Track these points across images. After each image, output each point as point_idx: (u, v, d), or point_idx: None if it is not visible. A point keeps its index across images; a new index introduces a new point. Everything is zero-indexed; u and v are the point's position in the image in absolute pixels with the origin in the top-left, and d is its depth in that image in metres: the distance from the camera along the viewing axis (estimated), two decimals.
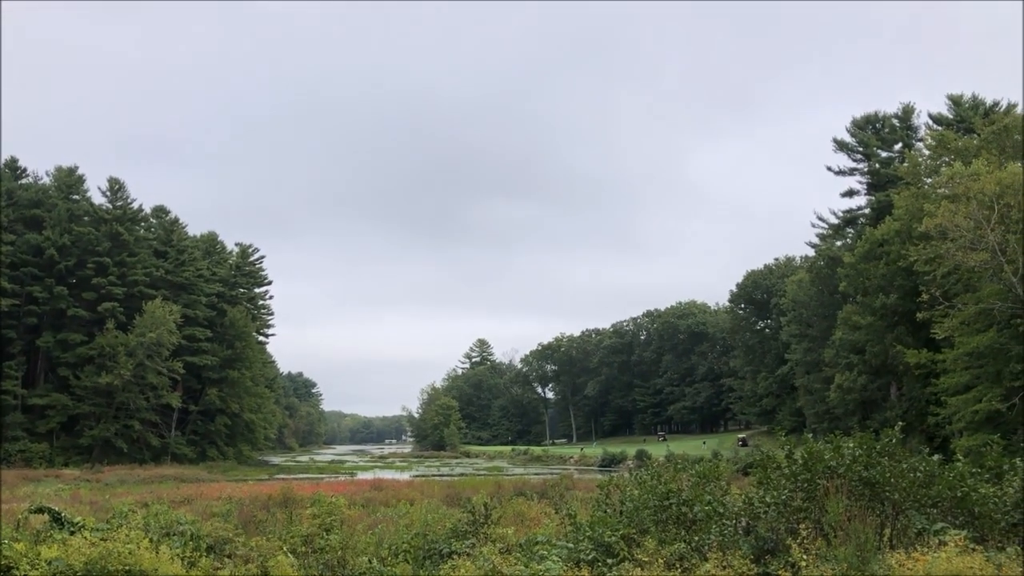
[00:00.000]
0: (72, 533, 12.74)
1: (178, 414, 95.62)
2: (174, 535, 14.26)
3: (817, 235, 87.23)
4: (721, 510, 13.87)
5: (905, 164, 61.39)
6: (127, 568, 9.96)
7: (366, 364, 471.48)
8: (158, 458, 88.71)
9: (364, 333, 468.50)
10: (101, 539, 10.96)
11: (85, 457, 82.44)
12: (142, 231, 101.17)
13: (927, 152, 60.79)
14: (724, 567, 10.28)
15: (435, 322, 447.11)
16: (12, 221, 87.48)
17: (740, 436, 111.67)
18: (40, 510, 15.02)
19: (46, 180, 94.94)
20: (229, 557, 12.47)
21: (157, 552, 10.72)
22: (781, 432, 16.68)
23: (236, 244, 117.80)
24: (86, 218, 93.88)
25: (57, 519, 14.28)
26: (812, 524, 12.38)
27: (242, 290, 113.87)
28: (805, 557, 10.89)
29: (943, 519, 12.73)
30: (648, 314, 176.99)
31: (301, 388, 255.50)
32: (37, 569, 10.21)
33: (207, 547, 13.79)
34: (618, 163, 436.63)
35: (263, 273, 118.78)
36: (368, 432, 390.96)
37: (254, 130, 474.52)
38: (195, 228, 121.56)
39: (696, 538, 12.84)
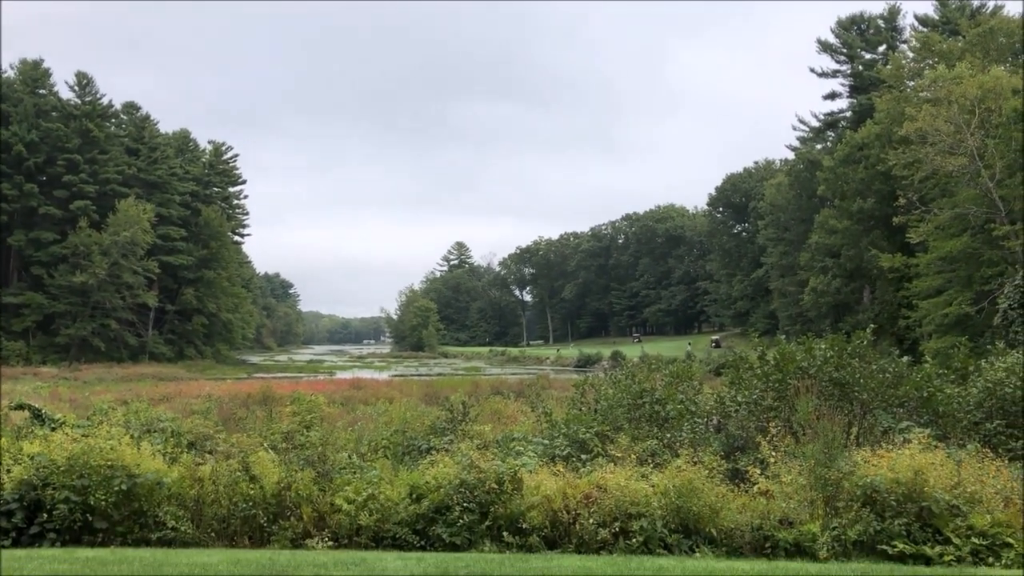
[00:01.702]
0: (53, 429, 12.87)
1: (155, 313, 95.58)
2: (155, 432, 14.45)
3: (798, 138, 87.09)
4: (693, 408, 14.24)
5: (888, 66, 60.82)
6: (109, 463, 10.11)
7: (344, 266, 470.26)
8: (136, 357, 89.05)
9: (342, 235, 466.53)
10: (83, 435, 11.08)
11: (62, 356, 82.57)
12: (112, 128, 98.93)
13: (911, 54, 60.18)
14: (695, 463, 10.60)
15: (413, 224, 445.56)
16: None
17: (713, 338, 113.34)
18: (20, 407, 15.13)
19: (10, 73, 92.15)
20: (210, 453, 12.68)
21: (139, 448, 10.87)
22: (755, 334, 17.01)
23: (209, 142, 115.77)
24: (54, 113, 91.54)
25: (37, 416, 14.40)
26: (782, 423, 12.73)
27: (216, 189, 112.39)
28: (773, 454, 11.24)
29: (909, 418, 13.14)
30: (626, 217, 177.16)
31: (278, 289, 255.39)
32: (20, 464, 10.35)
33: (188, 444, 14.01)
34: (599, 62, 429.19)
35: (237, 172, 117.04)
36: (347, 333, 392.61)
37: (225, 26, 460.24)
38: (166, 126, 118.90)
39: (668, 435, 13.21)
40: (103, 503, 9.82)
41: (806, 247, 73.06)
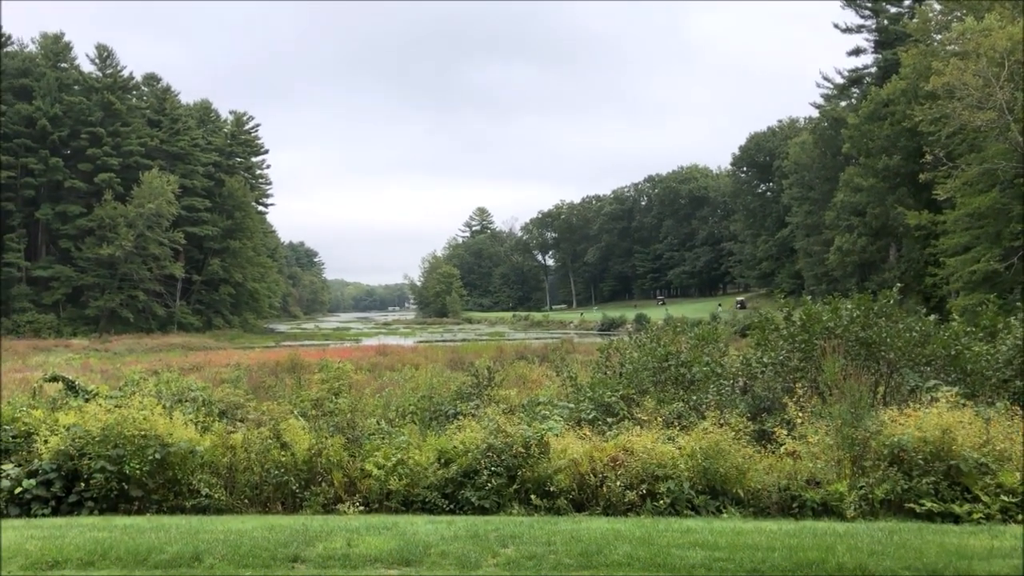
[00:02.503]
0: (87, 400, 13.07)
1: (182, 284, 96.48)
2: (186, 401, 14.62)
3: (822, 95, 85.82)
4: (719, 371, 14.23)
5: (915, 20, 59.60)
6: (143, 432, 10.28)
7: (367, 234, 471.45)
8: (164, 327, 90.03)
9: (364, 203, 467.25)
10: (116, 406, 11.25)
11: (92, 327, 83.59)
12: (134, 100, 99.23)
13: (938, 7, 58.87)
14: (721, 424, 10.62)
15: (435, 190, 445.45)
16: (1, 91, 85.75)
17: (739, 299, 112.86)
18: (54, 379, 15.35)
19: (32, 48, 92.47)
20: (241, 421, 12.84)
21: (171, 418, 11.04)
22: (780, 295, 16.85)
23: (230, 112, 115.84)
24: (76, 87, 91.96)
25: (71, 387, 14.62)
26: (808, 383, 12.71)
27: (239, 159, 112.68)
28: (800, 415, 11.23)
29: (936, 377, 13.05)
30: (649, 179, 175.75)
31: (303, 257, 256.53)
32: (57, 435, 10.55)
33: (219, 412, 14.19)
34: (618, 21, 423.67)
35: (259, 142, 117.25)
36: (371, 300, 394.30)
37: None
38: (187, 97, 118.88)
39: (694, 398, 13.22)
40: (138, 472, 10.01)
41: (831, 206, 72.29)
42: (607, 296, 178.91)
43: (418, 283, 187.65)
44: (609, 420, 12.44)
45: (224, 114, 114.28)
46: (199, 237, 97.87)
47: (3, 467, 10.25)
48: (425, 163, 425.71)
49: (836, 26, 78.91)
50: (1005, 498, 9.08)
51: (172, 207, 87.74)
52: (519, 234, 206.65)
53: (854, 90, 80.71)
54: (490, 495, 9.79)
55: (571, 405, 13.68)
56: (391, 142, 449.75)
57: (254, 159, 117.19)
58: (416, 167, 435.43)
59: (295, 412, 12.09)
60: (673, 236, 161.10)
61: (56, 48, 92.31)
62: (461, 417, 12.96)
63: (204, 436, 10.98)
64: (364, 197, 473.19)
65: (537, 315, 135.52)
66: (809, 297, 15.28)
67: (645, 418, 11.74)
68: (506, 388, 17.16)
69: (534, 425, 10.84)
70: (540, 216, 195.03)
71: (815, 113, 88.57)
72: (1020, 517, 8.87)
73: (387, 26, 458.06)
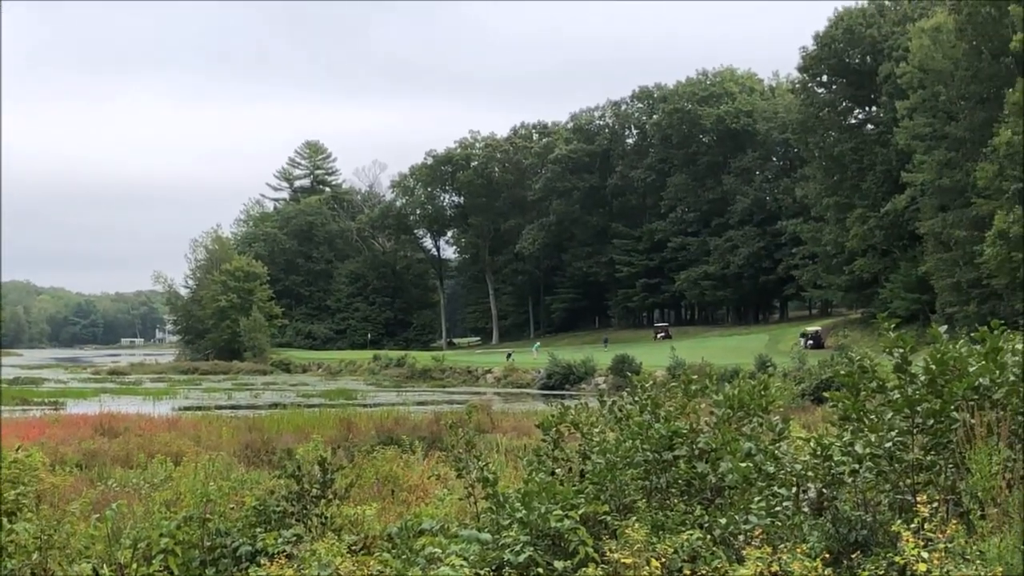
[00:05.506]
0: None
1: None
2: None
3: None
4: (771, 469, 14.33)
5: None
6: None
7: (82, 190, 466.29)
8: None
9: (80, 128, 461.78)
10: None
11: None
12: None
13: None
14: (774, 574, 10.64)
15: (222, 106, 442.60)
16: None
17: (809, 329, 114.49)
18: None
19: None
20: None
21: None
22: (889, 323, 16.99)
23: None
24: None
25: None
26: (941, 493, 12.86)
27: None
28: (926, 556, 11.31)
29: None
30: (642, 95, 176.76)
31: None
32: None
33: None
34: None
35: None
36: (88, 324, 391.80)
37: None
38: None
39: (723, 521, 13.28)
40: None
41: (990, 151, 73.61)
42: (560, 321, 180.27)
43: (184, 291, 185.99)
44: (558, 564, 12.43)
45: None
46: None
47: None
48: (207, 54, 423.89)
49: None
50: None
51: None
52: (388, 196, 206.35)
53: None
54: None
55: (485, 535, 13.64)
56: (141, 12, 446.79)
57: None
58: (188, 61, 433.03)
59: None
60: (687, 206, 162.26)
61: None
62: (265, 560, 12.98)
63: None
64: (81, 112, 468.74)
65: (423, 356, 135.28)
66: (945, 327, 15.53)
67: (628, 560, 11.74)
68: (359, 502, 17.13)
69: (411, 574, 10.77)
70: (430, 162, 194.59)
71: None
72: None
73: None
